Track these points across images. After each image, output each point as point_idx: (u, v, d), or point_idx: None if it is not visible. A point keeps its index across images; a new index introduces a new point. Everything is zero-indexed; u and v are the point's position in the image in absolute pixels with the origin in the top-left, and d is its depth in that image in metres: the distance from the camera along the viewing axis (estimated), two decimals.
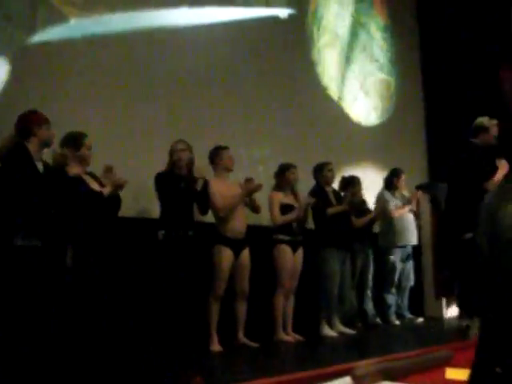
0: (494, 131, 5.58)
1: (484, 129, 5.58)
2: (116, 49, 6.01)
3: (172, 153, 5.58)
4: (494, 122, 5.60)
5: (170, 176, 5.53)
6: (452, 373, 1.91)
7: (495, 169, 5.28)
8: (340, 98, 8.80)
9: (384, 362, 1.85)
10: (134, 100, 6.02)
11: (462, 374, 1.85)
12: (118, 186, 4.95)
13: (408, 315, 7.75)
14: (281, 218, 6.37)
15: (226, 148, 6.05)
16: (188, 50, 6.66)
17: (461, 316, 5.57)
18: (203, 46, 6.81)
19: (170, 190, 5.48)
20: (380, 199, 7.81)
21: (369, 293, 7.49)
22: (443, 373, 1.97)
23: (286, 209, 6.43)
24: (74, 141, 4.85)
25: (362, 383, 1.64)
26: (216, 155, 6.03)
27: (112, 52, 5.97)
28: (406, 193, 8.03)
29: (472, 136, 5.67)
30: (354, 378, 1.62)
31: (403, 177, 7.88)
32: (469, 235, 5.41)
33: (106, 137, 5.54)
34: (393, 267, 7.61)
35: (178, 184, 5.50)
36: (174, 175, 5.54)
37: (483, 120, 5.68)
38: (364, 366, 1.68)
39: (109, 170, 4.99)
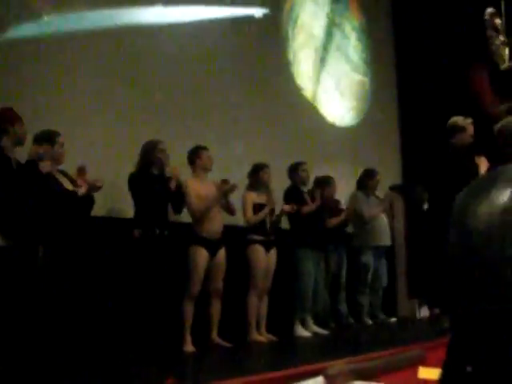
0: (470, 130, 5.60)
1: (460, 128, 5.60)
2: (91, 46, 5.94)
3: (146, 152, 5.53)
4: (469, 120, 5.62)
5: (143, 176, 5.48)
6: (424, 372, 1.92)
7: (476, 167, 5.30)
8: (315, 98, 8.81)
9: (356, 362, 1.85)
10: (106, 97, 5.97)
11: (434, 373, 1.85)
12: (94, 188, 4.93)
13: (381, 315, 7.78)
14: (253, 218, 6.36)
15: (205, 148, 6.03)
16: (163, 49, 6.62)
17: (441, 316, 5.58)
18: (177, 44, 6.76)
19: (145, 191, 5.43)
20: (353, 200, 7.83)
21: (342, 293, 7.50)
22: (416, 372, 1.97)
23: (259, 208, 6.43)
24: (48, 138, 4.80)
25: (334, 383, 1.64)
26: (195, 155, 6.01)
27: (86, 49, 5.90)
28: (379, 194, 8.05)
29: (449, 137, 5.68)
30: (327, 377, 1.62)
31: (377, 177, 7.89)
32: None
33: (79, 135, 5.48)
34: (366, 267, 7.63)
35: (153, 184, 5.47)
36: (148, 175, 5.50)
37: (457, 120, 5.70)
38: (336, 365, 1.67)
39: (82, 170, 4.96)
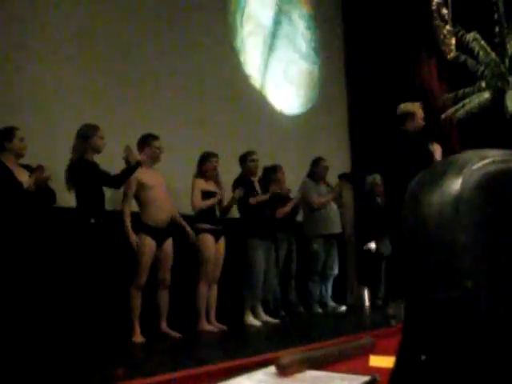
0: (421, 114, 5.59)
1: (410, 114, 5.59)
2: None
3: (86, 139, 5.37)
4: (418, 104, 5.62)
5: (81, 164, 5.35)
6: (375, 360, 1.89)
7: (430, 153, 5.32)
8: (263, 86, 8.77)
9: (308, 350, 1.81)
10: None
11: (386, 361, 1.82)
12: (41, 180, 4.87)
13: (331, 303, 7.81)
14: (201, 204, 6.30)
15: (156, 137, 5.95)
16: (106, 39, 6.50)
17: (387, 303, 5.61)
18: (122, 32, 6.66)
19: (84, 179, 5.30)
20: (302, 188, 7.83)
21: (292, 282, 7.51)
22: (367, 360, 1.95)
23: (207, 196, 6.40)
24: (6, 133, 4.90)
25: (286, 372, 1.60)
26: (145, 143, 5.92)
27: None
28: (329, 182, 8.07)
29: (400, 124, 5.68)
30: (279, 367, 1.58)
31: (325, 165, 7.89)
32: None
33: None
34: (316, 256, 7.64)
35: (91, 172, 5.34)
36: (86, 162, 5.36)
37: (407, 105, 5.69)
38: (288, 355, 1.63)
39: (40, 168, 4.91)
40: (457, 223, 0.68)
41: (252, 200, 6.73)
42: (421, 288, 0.72)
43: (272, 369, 1.67)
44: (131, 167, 5.48)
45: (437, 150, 5.35)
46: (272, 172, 7.38)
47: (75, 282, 5.14)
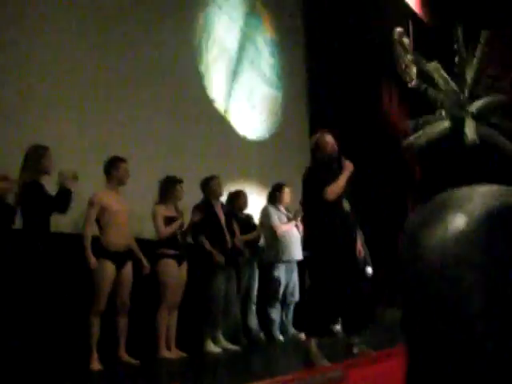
0: (323, 142, 5.53)
1: (316, 144, 5.58)
2: None
3: (37, 161, 5.20)
4: (321, 132, 5.61)
5: (36, 187, 5.18)
6: None
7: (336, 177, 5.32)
8: (226, 111, 8.75)
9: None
10: None
11: None
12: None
13: (292, 331, 7.70)
14: (166, 230, 6.24)
15: (123, 160, 5.87)
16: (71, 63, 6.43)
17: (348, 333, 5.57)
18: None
19: (38, 202, 5.14)
20: (264, 214, 7.78)
21: (253, 308, 7.43)
22: None
23: (169, 222, 6.31)
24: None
25: None
26: (112, 166, 5.83)
27: None
28: (290, 208, 8.03)
29: (312, 154, 5.71)
30: None
31: (286, 190, 7.86)
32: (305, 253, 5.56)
33: None
34: (277, 282, 7.56)
35: (43, 194, 5.19)
36: (39, 185, 5.21)
37: (313, 136, 5.74)
38: None
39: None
40: (462, 261, 0.64)
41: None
42: (424, 332, 0.67)
43: None
44: (64, 192, 5.31)
45: (346, 167, 5.36)
46: (236, 197, 7.36)
47: (29, 307, 4.98)
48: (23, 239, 5.04)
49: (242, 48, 9.17)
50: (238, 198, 7.42)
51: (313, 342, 5.13)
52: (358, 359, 2.60)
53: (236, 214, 7.38)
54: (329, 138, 5.48)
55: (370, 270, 8.36)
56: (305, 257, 5.68)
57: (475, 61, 11.00)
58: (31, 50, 6.05)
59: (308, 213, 5.56)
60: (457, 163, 10.67)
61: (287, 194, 7.86)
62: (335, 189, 5.22)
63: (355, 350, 5.08)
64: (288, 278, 7.67)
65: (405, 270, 0.63)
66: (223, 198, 7.21)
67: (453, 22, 11.00)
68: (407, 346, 0.68)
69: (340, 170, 5.38)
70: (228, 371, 5.51)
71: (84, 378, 5.09)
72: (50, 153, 5.22)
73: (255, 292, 7.45)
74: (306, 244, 5.62)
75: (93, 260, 5.53)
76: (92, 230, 5.66)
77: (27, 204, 5.07)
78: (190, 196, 6.75)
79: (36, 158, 5.15)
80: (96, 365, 5.39)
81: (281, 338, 7.48)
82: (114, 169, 5.83)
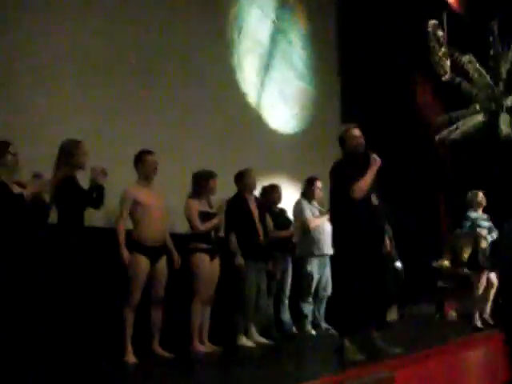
0: (351, 136, 5.44)
1: (343, 138, 5.50)
2: None
3: (71, 156, 5.21)
4: (348, 127, 5.52)
5: (71, 182, 5.16)
6: None
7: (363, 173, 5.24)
8: (258, 104, 8.72)
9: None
10: None
11: None
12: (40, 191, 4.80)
13: (324, 325, 7.67)
14: (203, 226, 6.22)
15: (149, 152, 5.84)
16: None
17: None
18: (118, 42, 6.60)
19: (73, 197, 5.15)
20: (297, 208, 7.74)
21: (286, 302, 7.40)
22: None
23: (203, 216, 6.28)
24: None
25: None
26: (138, 160, 5.81)
27: None
28: (324, 202, 7.97)
29: (340, 148, 5.62)
30: None
31: (318, 184, 7.79)
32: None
33: None
34: (310, 277, 7.53)
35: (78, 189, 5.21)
36: (73, 180, 5.21)
37: (341, 130, 5.63)
38: None
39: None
40: None
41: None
42: None
43: None
44: (97, 188, 5.26)
45: (373, 163, 5.25)
46: (269, 192, 7.33)
47: (64, 301, 5.00)
48: (58, 234, 5.06)
49: (274, 41, 9.13)
50: (272, 192, 7.39)
51: (347, 339, 5.10)
52: (403, 359, 2.56)
53: (270, 207, 7.35)
54: (356, 132, 5.42)
55: (399, 264, 8.29)
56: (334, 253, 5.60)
57: (510, 54, 10.84)
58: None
59: (335, 209, 5.49)
60: (491, 158, 10.54)
61: (319, 188, 7.81)
62: (361, 186, 5.16)
63: (347, 358, 5.00)
64: (321, 272, 7.62)
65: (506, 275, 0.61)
66: (256, 192, 7.17)
67: (488, 15, 10.85)
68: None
69: (367, 164, 5.32)
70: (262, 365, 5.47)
71: (119, 370, 5.10)
72: (84, 146, 5.23)
73: (288, 286, 7.42)
74: (334, 241, 5.55)
75: (126, 254, 5.54)
76: (125, 225, 5.65)
77: (62, 199, 5.07)
78: (222, 190, 6.73)
79: (70, 152, 5.14)
80: (130, 357, 5.40)
81: (313, 332, 7.45)
82: (140, 163, 5.81)
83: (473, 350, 4.98)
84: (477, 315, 7.67)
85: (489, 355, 4.75)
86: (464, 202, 8.22)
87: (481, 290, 7.75)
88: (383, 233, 5.38)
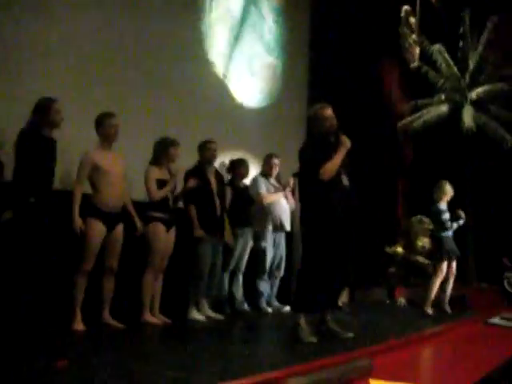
0: (324, 115, 5.33)
1: (315, 117, 5.38)
2: None
3: (42, 112, 5.06)
4: (321, 106, 5.39)
5: (33, 136, 5.03)
6: None
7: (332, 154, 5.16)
8: (225, 75, 8.54)
9: (311, 373, 1.63)
10: None
11: None
12: None
13: (275, 303, 7.61)
14: (158, 194, 6.09)
15: (111, 115, 5.65)
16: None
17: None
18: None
19: (36, 152, 4.98)
20: (252, 184, 7.64)
21: (240, 278, 7.31)
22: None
23: (161, 184, 6.16)
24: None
25: None
26: (99, 123, 5.63)
27: None
28: (283, 179, 7.88)
29: (309, 127, 5.51)
30: None
31: (276, 161, 7.69)
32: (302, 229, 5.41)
33: None
34: (264, 253, 7.45)
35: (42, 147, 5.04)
36: (43, 137, 5.05)
37: (312, 109, 5.49)
38: (295, 380, 1.44)
39: None
40: None
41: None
42: None
43: None
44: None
45: (343, 144, 5.16)
46: (237, 166, 7.23)
47: (14, 263, 4.82)
48: (15, 192, 4.88)
49: (245, 12, 8.92)
50: (240, 166, 7.29)
51: (302, 318, 5.06)
52: (382, 346, 2.51)
53: (235, 182, 7.25)
54: (329, 112, 5.31)
55: None
56: (301, 232, 5.50)
57: (479, 47, 10.85)
58: None
59: (304, 189, 5.40)
60: (452, 149, 10.60)
61: (277, 165, 7.70)
62: (330, 168, 5.07)
63: (303, 337, 4.98)
64: (275, 249, 7.55)
65: None
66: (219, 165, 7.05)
67: (461, 6, 10.84)
68: None
69: (336, 145, 5.22)
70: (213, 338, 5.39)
71: (66, 337, 4.94)
72: (58, 105, 5.08)
73: (244, 262, 7.33)
74: (302, 220, 5.46)
75: (78, 221, 5.35)
76: (81, 190, 5.48)
77: (24, 155, 4.93)
78: (183, 160, 6.58)
79: (44, 109, 5.02)
80: (79, 325, 5.27)
81: (269, 310, 7.39)
82: (100, 125, 5.63)
83: (450, 338, 4.99)
84: (429, 303, 7.77)
85: (467, 343, 4.78)
86: (421, 190, 8.24)
87: (440, 279, 7.84)
88: (351, 214, 5.30)
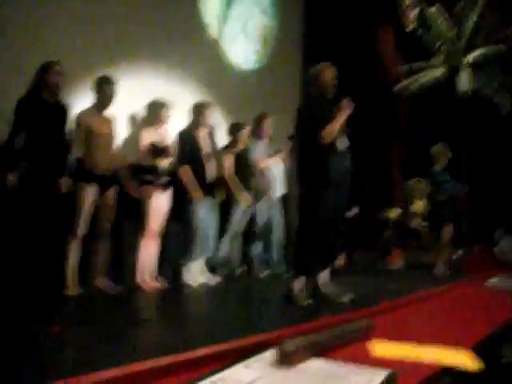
0: (326, 76, 5.21)
1: (317, 77, 5.25)
2: None
3: (43, 74, 4.99)
4: (326, 65, 5.26)
5: (32, 102, 4.95)
6: (380, 348, 1.66)
7: (332, 116, 5.06)
8: (219, 37, 8.42)
9: (309, 332, 1.58)
10: None
11: (391, 350, 1.61)
12: None
13: (278, 268, 7.47)
14: (146, 160, 6.02)
15: (110, 81, 5.61)
16: None
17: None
18: None
19: (36, 119, 4.91)
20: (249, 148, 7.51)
21: (237, 242, 7.23)
22: (367, 346, 1.72)
23: (155, 148, 6.06)
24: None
25: (290, 360, 1.34)
26: (98, 87, 5.58)
27: None
28: (278, 142, 7.77)
29: (309, 86, 5.38)
30: (283, 354, 1.32)
31: (268, 122, 7.52)
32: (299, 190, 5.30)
33: None
34: (257, 217, 7.36)
35: (46, 112, 4.97)
36: (41, 101, 4.97)
37: (315, 68, 5.33)
38: (292, 340, 1.38)
39: None
40: None
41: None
42: None
43: (271, 354, 1.43)
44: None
45: (344, 108, 5.05)
46: (236, 129, 7.11)
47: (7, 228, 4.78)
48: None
49: None
50: (238, 130, 7.16)
51: (298, 281, 5.01)
52: (382, 307, 2.49)
53: (234, 146, 7.15)
54: (333, 73, 5.20)
55: (355, 209, 8.21)
56: (300, 193, 5.40)
57: (476, 9, 10.69)
58: None
59: (302, 150, 5.30)
60: (448, 113, 10.50)
61: (268, 126, 7.53)
62: (331, 131, 4.99)
63: (298, 301, 4.95)
64: (270, 214, 7.47)
65: None
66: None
67: None
68: None
69: (336, 107, 5.11)
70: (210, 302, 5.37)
71: (61, 302, 4.91)
72: (57, 67, 5.02)
73: (242, 226, 7.24)
74: (299, 181, 5.36)
75: (65, 183, 5.26)
76: (77, 152, 5.41)
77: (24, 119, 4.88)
78: (177, 122, 6.49)
79: (43, 71, 4.98)
80: (73, 290, 5.23)
81: (263, 274, 7.33)
82: (100, 90, 5.58)
83: (449, 299, 4.97)
84: (441, 265, 7.75)
85: (467, 304, 4.75)
86: (417, 154, 8.16)
87: (445, 240, 7.81)
88: (348, 177, 5.22)
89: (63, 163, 5.14)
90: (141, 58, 6.90)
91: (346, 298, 5.08)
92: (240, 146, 7.08)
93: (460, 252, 8.67)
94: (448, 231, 7.82)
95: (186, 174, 6.35)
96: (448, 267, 7.94)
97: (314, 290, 5.19)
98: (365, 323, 1.81)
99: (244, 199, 6.84)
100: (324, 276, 5.24)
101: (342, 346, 1.62)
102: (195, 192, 6.31)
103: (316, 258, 5.07)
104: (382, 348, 1.63)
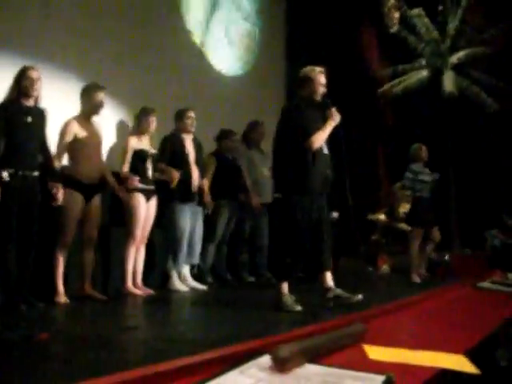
0: (319, 80, 5.20)
1: (308, 79, 5.23)
2: None
3: (19, 79, 4.93)
4: (318, 69, 5.25)
5: (13, 106, 4.89)
6: (374, 352, 1.65)
7: (321, 123, 5.05)
8: (203, 44, 8.42)
9: (303, 340, 1.56)
10: None
11: (385, 353, 1.60)
12: None
13: (266, 274, 7.43)
14: (124, 168, 6.01)
15: (99, 88, 5.58)
16: None
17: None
18: None
19: (16, 124, 4.85)
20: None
21: (223, 249, 7.22)
22: (362, 350, 1.71)
23: (139, 155, 6.04)
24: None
25: (285, 366, 1.33)
26: (85, 94, 5.56)
27: None
28: (264, 147, 7.76)
29: (298, 87, 5.35)
30: (277, 360, 1.30)
31: (260, 130, 7.56)
32: (277, 195, 5.24)
33: None
34: (243, 224, 7.36)
35: (23, 116, 4.90)
36: (18, 106, 4.92)
37: (307, 70, 5.31)
38: (287, 346, 1.37)
39: None
40: None
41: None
42: None
43: (265, 360, 1.41)
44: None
45: (332, 116, 5.04)
46: (224, 136, 7.13)
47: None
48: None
49: None
50: (226, 137, 7.16)
51: (284, 287, 4.97)
52: (374, 311, 2.47)
53: (221, 152, 7.13)
54: (324, 78, 5.18)
55: (335, 214, 8.16)
56: (276, 198, 5.34)
57: (459, 11, 10.75)
58: None
59: (282, 151, 5.21)
60: (432, 114, 10.55)
61: (261, 133, 7.56)
62: (319, 139, 4.97)
63: (286, 306, 4.90)
64: (256, 219, 7.46)
65: None
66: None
67: None
68: None
69: (323, 113, 5.10)
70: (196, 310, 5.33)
71: (50, 311, 4.87)
72: (31, 72, 4.90)
73: (228, 234, 7.23)
74: (278, 186, 5.30)
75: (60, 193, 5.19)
76: (61, 160, 5.39)
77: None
78: (162, 129, 6.47)
79: (18, 77, 4.88)
80: (61, 298, 5.19)
81: (251, 279, 7.31)
82: (88, 97, 5.56)
83: (443, 300, 4.96)
84: (414, 270, 7.63)
85: (458, 308, 4.75)
86: (403, 156, 8.14)
87: (416, 246, 7.68)
88: (328, 185, 5.20)
89: (46, 170, 5.06)
90: (124, 65, 6.87)
91: (356, 299, 5.01)
92: (226, 153, 7.08)
93: (445, 255, 8.63)
94: (419, 235, 7.69)
95: (162, 165, 6.32)
96: (426, 271, 7.91)
97: (325, 296, 5.10)
98: (358, 327, 1.80)
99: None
100: (329, 279, 5.17)
101: (337, 350, 1.61)
102: (173, 172, 6.24)
103: (293, 262, 5.02)
104: (376, 352, 1.62)
